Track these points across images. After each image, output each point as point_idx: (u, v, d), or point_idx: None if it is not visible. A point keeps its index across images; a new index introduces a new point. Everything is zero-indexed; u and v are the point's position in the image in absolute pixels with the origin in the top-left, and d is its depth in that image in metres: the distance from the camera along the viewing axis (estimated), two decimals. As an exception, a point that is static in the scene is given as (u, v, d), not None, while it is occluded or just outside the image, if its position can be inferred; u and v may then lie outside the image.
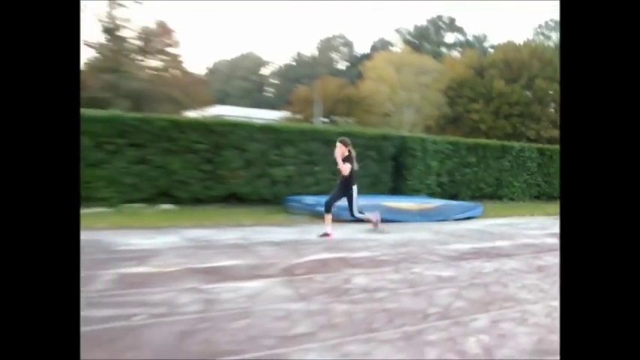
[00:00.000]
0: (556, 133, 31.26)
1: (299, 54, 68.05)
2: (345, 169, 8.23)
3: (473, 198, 14.86)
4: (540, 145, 19.13)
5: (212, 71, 64.26)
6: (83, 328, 3.51)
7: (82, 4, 19.65)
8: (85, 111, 10.94)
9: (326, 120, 35.54)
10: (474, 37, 58.69)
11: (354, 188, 8.44)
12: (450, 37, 60.40)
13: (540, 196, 17.53)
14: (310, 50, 70.89)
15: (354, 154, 8.47)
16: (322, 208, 10.47)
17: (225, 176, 11.73)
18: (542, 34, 51.21)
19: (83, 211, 9.58)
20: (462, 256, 6.93)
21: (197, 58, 74.81)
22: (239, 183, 11.89)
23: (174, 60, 28.48)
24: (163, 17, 33.48)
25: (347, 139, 8.43)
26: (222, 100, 42.51)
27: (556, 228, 9.86)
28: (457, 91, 35.56)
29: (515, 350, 3.41)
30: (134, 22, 25.06)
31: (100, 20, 24.13)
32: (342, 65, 64.95)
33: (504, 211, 13.62)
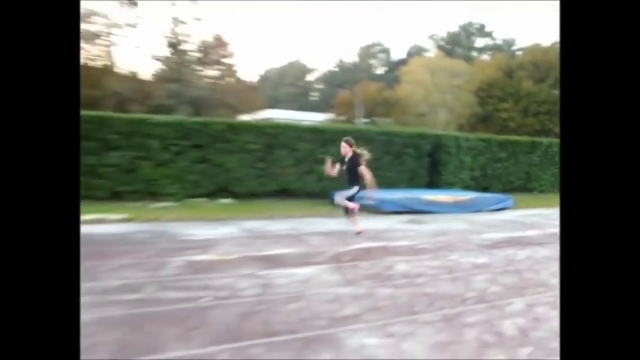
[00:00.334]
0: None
1: (341, 61, 67.78)
2: (366, 174, 7.27)
3: (504, 191, 14.51)
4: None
5: (263, 78, 64.74)
6: (157, 309, 3.61)
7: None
8: (152, 116, 11.23)
9: (366, 121, 35.30)
10: (503, 40, 57.15)
11: (356, 187, 7.48)
12: (480, 42, 58.96)
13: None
14: (351, 57, 70.67)
15: (365, 154, 7.68)
16: (365, 202, 10.46)
17: (276, 173, 11.81)
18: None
19: (153, 205, 9.83)
20: (496, 245, 6.78)
21: (249, 67, 75.77)
22: (289, 179, 11.95)
23: (229, 69, 28.81)
24: (219, 31, 33.90)
25: (351, 139, 7.66)
26: (273, 105, 42.77)
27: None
28: (487, 92, 34.69)
29: (549, 332, 3.31)
30: (194, 37, 25.45)
31: (166, 37, 24.64)
32: (380, 70, 64.33)
33: (534, 202, 13.26)
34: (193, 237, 6.76)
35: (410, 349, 2.99)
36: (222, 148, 11.25)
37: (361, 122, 33.30)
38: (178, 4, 24.35)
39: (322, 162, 12.17)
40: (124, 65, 24.58)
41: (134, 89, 22.34)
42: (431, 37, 60.24)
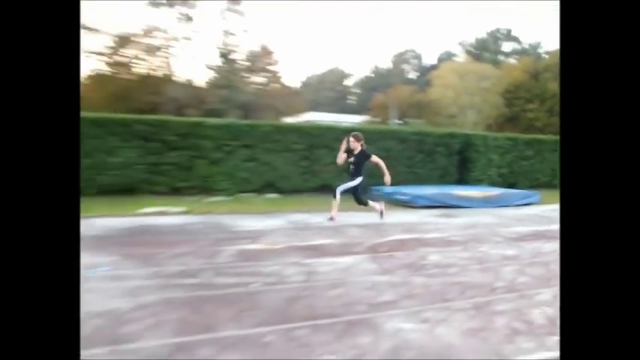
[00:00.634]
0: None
1: (376, 67, 67.27)
2: (381, 163, 7.34)
3: (530, 187, 14.07)
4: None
5: (305, 84, 64.80)
6: (212, 292, 3.68)
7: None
8: (206, 120, 11.44)
9: (400, 122, 34.93)
10: (530, 44, 55.34)
11: (360, 179, 7.44)
12: (507, 46, 57.22)
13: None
14: (386, 63, 69.83)
15: (365, 148, 7.51)
16: (400, 197, 10.38)
17: (318, 170, 11.82)
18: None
19: (207, 199, 10.02)
20: (523, 238, 6.60)
21: (292, 73, 76.12)
22: (330, 176, 11.91)
23: (274, 76, 28.95)
24: (265, 42, 34.13)
25: (360, 135, 7.51)
26: (314, 108, 42.74)
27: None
28: (514, 93, 33.71)
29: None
30: (243, 48, 25.70)
31: (218, 48, 25.00)
32: (412, 75, 63.43)
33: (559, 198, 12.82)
34: (243, 228, 6.85)
35: (444, 334, 2.95)
36: (269, 147, 11.35)
37: (395, 123, 32.99)
38: (229, 18, 24.65)
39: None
40: (181, 74, 25.04)
41: (190, 95, 22.75)
42: (460, 43, 58.79)
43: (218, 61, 25.36)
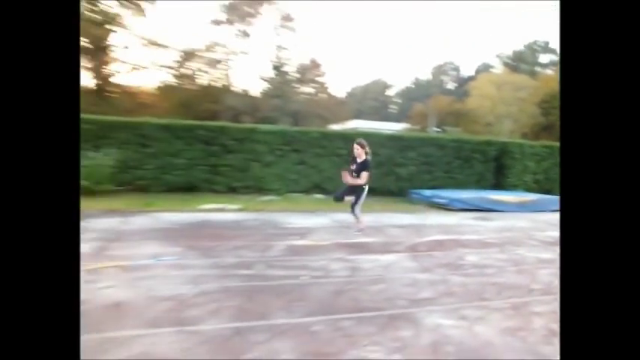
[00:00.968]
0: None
1: (416, 78, 66.36)
2: (363, 178, 6.38)
3: (566, 193, 13.47)
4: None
5: (350, 94, 64.63)
6: (265, 283, 3.71)
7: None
8: (260, 126, 11.62)
9: (438, 130, 34.24)
10: (566, 57, 52.91)
11: (365, 189, 6.48)
12: (544, 58, 54.99)
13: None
14: (425, 75, 68.77)
15: (369, 156, 6.59)
16: (438, 200, 10.16)
17: (361, 174, 11.76)
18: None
19: (260, 198, 10.15)
20: (558, 242, 6.30)
21: (339, 84, 75.97)
22: (372, 179, 11.85)
23: (322, 87, 29.05)
24: (314, 55, 34.31)
25: (364, 141, 6.52)
26: (358, 116, 42.47)
27: None
28: (550, 103, 32.30)
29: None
30: (293, 61, 25.96)
31: (271, 61, 25.39)
32: (451, 86, 62.04)
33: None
34: (293, 225, 6.89)
35: (482, 331, 2.85)
36: (317, 152, 11.40)
37: (433, 131, 32.37)
38: (281, 34, 25.00)
39: (400, 165, 12.02)
40: (238, 85, 25.55)
41: (246, 104, 23.16)
42: (498, 55, 57.11)
43: (271, 73, 25.77)
